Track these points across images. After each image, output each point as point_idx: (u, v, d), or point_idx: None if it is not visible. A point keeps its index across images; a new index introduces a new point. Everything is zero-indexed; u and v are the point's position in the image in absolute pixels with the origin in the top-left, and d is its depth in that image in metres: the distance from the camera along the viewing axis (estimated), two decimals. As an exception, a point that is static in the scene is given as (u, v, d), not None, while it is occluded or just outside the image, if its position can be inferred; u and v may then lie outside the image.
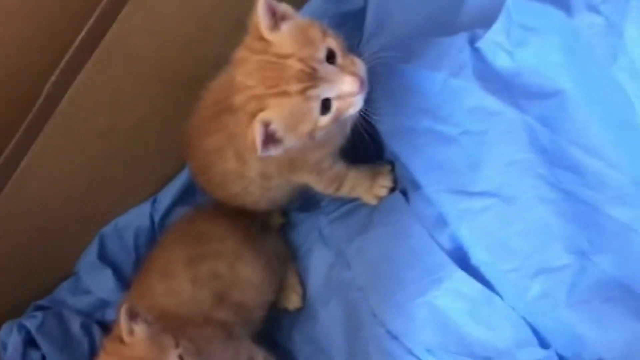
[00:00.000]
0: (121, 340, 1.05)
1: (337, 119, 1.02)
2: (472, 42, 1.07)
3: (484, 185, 1.04)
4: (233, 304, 1.23)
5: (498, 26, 1.04)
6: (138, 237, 1.46)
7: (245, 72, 1.01)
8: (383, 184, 1.24)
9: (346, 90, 0.99)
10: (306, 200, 1.38)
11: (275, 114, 0.99)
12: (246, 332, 1.25)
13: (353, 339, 1.20)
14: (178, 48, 1.25)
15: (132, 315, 1.05)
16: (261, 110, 0.99)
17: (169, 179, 1.47)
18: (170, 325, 1.14)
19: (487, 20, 1.07)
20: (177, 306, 1.19)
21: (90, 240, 1.47)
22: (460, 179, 1.06)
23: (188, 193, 1.46)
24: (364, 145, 1.22)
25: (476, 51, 1.07)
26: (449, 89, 1.08)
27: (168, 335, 1.07)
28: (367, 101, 1.06)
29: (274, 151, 1.01)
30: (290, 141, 1.02)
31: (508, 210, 1.02)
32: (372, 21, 1.22)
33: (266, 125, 0.99)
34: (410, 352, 1.10)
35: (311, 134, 1.02)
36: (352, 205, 1.30)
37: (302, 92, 0.97)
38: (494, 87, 1.04)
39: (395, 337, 1.12)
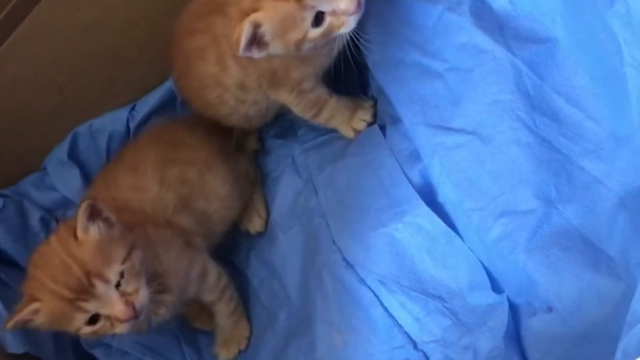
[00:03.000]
0: (74, 234, 1.03)
1: (327, 35, 1.01)
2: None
3: (462, 122, 1.03)
4: (196, 212, 1.23)
5: (500, -33, 1.02)
6: (111, 141, 1.44)
7: None
8: (362, 118, 1.22)
9: (342, 8, 0.98)
10: (283, 128, 1.37)
11: (268, 17, 0.97)
12: (204, 245, 1.24)
13: (309, 265, 1.19)
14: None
15: (94, 213, 1.04)
16: (254, 10, 0.97)
17: (152, 88, 1.45)
18: (132, 219, 1.13)
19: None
20: (140, 203, 1.18)
21: (63, 137, 1.44)
22: (440, 113, 1.05)
23: (168, 105, 1.44)
24: (348, 78, 1.22)
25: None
26: (443, 24, 1.07)
27: (123, 244, 1.05)
28: (360, 28, 1.05)
29: (257, 54, 1.00)
30: (275, 47, 1.01)
31: (482, 149, 1.01)
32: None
33: (256, 26, 0.98)
34: (362, 281, 1.09)
35: (298, 44, 1.01)
36: (328, 136, 1.28)
37: (297, 1, 0.96)
38: (487, 26, 1.02)
39: (350, 266, 1.11)
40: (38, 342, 1.26)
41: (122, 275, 1.03)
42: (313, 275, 1.17)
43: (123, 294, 1.03)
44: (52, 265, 1.02)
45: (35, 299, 1.02)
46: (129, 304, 1.02)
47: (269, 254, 1.29)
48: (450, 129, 1.04)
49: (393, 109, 1.13)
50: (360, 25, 1.10)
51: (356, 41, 1.04)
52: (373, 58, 1.15)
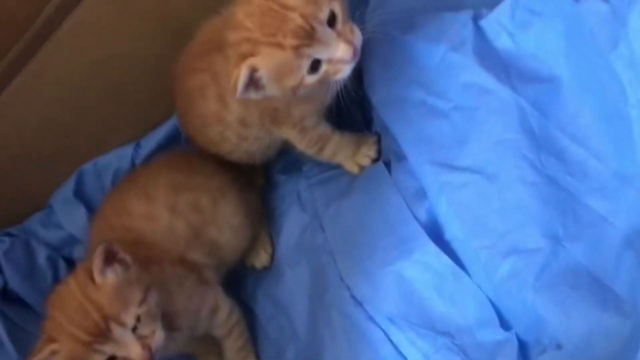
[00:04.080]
0: (91, 277, 1.04)
1: (323, 81, 1.03)
2: (475, 19, 1.07)
3: (468, 161, 1.04)
4: (207, 242, 1.23)
5: (504, 6, 1.03)
6: (116, 178, 1.45)
7: (246, 13, 1.00)
8: (367, 154, 1.24)
9: (338, 56, 1.00)
10: (288, 163, 1.38)
11: (264, 62, 0.99)
12: (217, 278, 1.25)
13: (317, 302, 1.20)
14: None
15: (109, 257, 1.05)
16: (252, 55, 0.99)
17: (156, 124, 1.46)
18: (148, 254, 1.14)
19: (493, 2, 1.06)
20: (153, 234, 1.19)
21: (68, 175, 1.46)
22: (446, 152, 1.06)
23: (172, 141, 1.46)
24: (350, 114, 1.23)
25: (478, 29, 1.07)
26: (447, 64, 1.08)
27: (139, 286, 1.06)
28: (361, 70, 1.08)
29: (254, 95, 1.02)
30: (272, 90, 1.03)
31: (489, 188, 1.02)
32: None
33: (253, 70, 0.99)
34: (371, 319, 1.10)
35: (294, 89, 1.03)
36: (334, 172, 1.29)
37: (296, 48, 0.98)
38: (491, 66, 1.04)
39: (359, 303, 1.12)
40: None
41: (138, 318, 1.04)
42: (321, 311, 1.17)
43: (140, 337, 1.03)
44: (70, 307, 1.03)
45: (54, 340, 1.03)
46: (145, 346, 1.03)
47: (276, 290, 1.30)
48: (456, 168, 1.05)
49: (398, 146, 1.14)
50: (364, 64, 1.13)
51: (352, 85, 1.06)
52: (377, 96, 1.16)
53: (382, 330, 1.09)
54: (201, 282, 1.21)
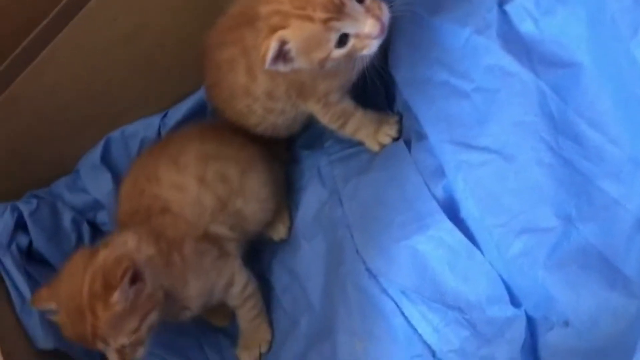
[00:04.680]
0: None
1: (350, 56, 1.05)
2: (501, 4, 1.09)
3: (487, 141, 1.06)
4: (233, 214, 1.26)
5: (529, -8, 1.05)
6: (143, 147, 1.48)
7: None
8: (388, 132, 1.26)
9: (366, 31, 1.03)
10: (310, 139, 1.41)
11: (294, 34, 1.02)
12: (237, 251, 1.28)
13: (332, 275, 1.22)
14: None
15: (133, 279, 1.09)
16: (282, 27, 1.02)
17: (184, 96, 1.49)
18: (174, 233, 1.19)
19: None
20: (180, 206, 1.22)
21: (96, 142, 1.49)
22: (465, 132, 1.09)
23: (199, 113, 1.48)
24: (374, 92, 1.26)
25: (503, 13, 1.08)
26: (471, 46, 1.10)
27: (136, 315, 1.11)
28: (386, 48, 1.10)
29: (282, 67, 1.05)
30: (300, 63, 1.06)
31: (506, 168, 1.04)
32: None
33: (282, 43, 1.02)
34: (385, 291, 1.13)
35: (322, 62, 1.05)
36: (354, 149, 1.32)
37: (326, 21, 1.00)
38: (514, 50, 1.06)
39: (373, 276, 1.14)
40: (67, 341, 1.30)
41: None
42: (336, 283, 1.20)
43: None
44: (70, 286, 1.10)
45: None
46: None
47: (292, 262, 1.33)
48: (474, 147, 1.07)
49: (419, 126, 1.16)
50: (390, 43, 1.15)
51: (379, 62, 1.09)
52: (401, 75, 1.18)
53: (395, 302, 1.12)
54: (221, 256, 1.24)
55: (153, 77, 1.44)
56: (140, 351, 1.13)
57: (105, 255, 1.10)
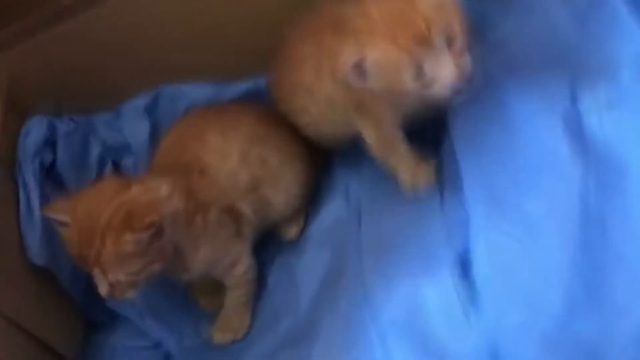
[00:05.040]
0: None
1: (420, 92, 1.07)
2: (574, 97, 1.11)
3: (519, 217, 1.08)
4: (261, 199, 1.30)
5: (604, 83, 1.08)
6: (188, 109, 1.51)
7: (378, 4, 1.06)
8: (425, 174, 1.28)
9: (443, 74, 1.05)
10: (349, 157, 1.42)
11: (376, 54, 1.05)
12: (251, 235, 1.31)
13: (329, 285, 1.25)
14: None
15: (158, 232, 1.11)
16: (369, 44, 1.05)
17: (247, 76, 1.52)
18: (205, 196, 1.22)
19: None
20: (217, 172, 1.26)
21: (146, 89, 1.52)
22: (502, 201, 1.10)
23: (254, 97, 1.51)
24: (421, 129, 1.28)
25: (574, 101, 1.11)
26: (533, 122, 1.13)
27: (142, 260, 1.14)
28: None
29: (355, 82, 1.07)
30: (372, 83, 1.08)
31: (529, 246, 1.05)
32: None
33: (364, 58, 1.05)
34: (375, 320, 1.14)
35: (392, 90, 1.08)
36: (388, 181, 1.33)
37: (411, 52, 1.03)
38: (574, 136, 1.08)
39: (368, 302, 1.16)
40: (59, 263, 1.32)
41: None
42: (330, 295, 1.22)
43: None
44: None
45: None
46: None
47: (294, 262, 1.35)
48: (507, 218, 1.09)
49: (458, 178, 1.18)
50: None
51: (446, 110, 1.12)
52: (458, 125, 1.20)
53: (379, 333, 1.12)
54: (237, 234, 1.27)
55: (224, 45, 1.47)
56: (131, 293, 1.16)
57: (137, 192, 1.13)
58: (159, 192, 1.17)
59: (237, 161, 1.28)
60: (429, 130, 1.33)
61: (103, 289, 1.15)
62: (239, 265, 1.30)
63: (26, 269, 1.34)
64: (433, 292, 1.11)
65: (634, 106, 1.05)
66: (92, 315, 1.45)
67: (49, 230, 1.32)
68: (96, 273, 1.14)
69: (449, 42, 1.05)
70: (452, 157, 1.22)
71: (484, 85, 1.18)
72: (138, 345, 1.40)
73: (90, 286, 1.35)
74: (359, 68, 1.06)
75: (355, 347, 1.14)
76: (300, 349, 1.21)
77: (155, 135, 1.51)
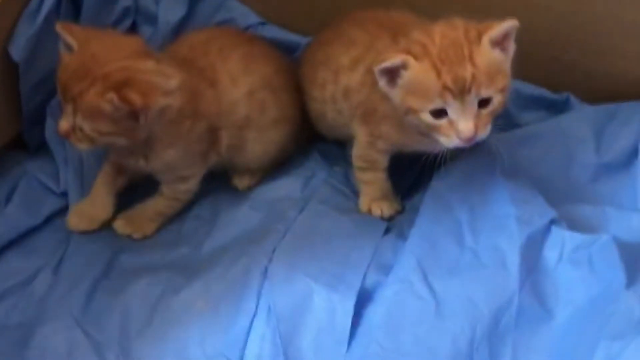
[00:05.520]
0: None
1: (430, 130, 1.09)
2: (552, 221, 1.13)
3: (440, 287, 1.10)
4: (240, 138, 1.32)
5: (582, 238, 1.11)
6: (222, 23, 1.54)
7: (443, 32, 1.07)
8: (384, 209, 1.30)
9: (458, 127, 1.06)
10: (331, 151, 1.46)
11: (417, 70, 1.06)
12: (212, 165, 1.32)
13: (242, 241, 1.27)
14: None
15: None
16: (415, 56, 1.06)
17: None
18: (206, 103, 1.25)
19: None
20: (222, 92, 1.28)
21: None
22: (435, 269, 1.12)
23: (289, 49, 1.52)
24: (406, 171, 1.32)
25: (546, 229, 1.13)
26: (503, 224, 1.14)
27: (112, 127, 1.13)
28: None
29: (382, 83, 1.09)
30: (395, 95, 1.09)
31: (434, 315, 1.07)
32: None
33: (403, 65, 1.06)
34: (259, 294, 1.15)
35: (408, 111, 1.09)
36: (347, 191, 1.37)
37: (445, 87, 1.04)
38: (526, 257, 1.10)
39: (265, 275, 1.17)
40: (31, 70, 1.31)
41: None
42: (237, 248, 1.23)
43: None
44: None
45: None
46: None
47: (224, 207, 1.36)
48: (428, 282, 1.10)
49: (408, 230, 1.19)
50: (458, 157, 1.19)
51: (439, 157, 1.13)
52: (438, 186, 1.22)
53: (261, 308, 1.14)
54: (203, 155, 1.27)
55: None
56: (83, 145, 1.15)
57: (149, 67, 1.14)
58: (167, 81, 1.15)
59: (243, 94, 1.29)
60: (410, 171, 1.35)
61: (63, 126, 1.14)
62: (186, 183, 1.30)
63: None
64: (323, 304, 1.12)
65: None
66: (26, 134, 1.42)
67: (43, 37, 1.31)
68: (67, 109, 1.12)
69: (482, 103, 1.06)
70: (415, 213, 1.23)
71: (481, 168, 1.20)
72: (46, 184, 1.37)
73: (42, 109, 1.36)
74: (395, 72, 1.07)
75: (236, 304, 1.14)
76: (183, 276, 1.22)
77: (182, 26, 1.50)
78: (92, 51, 1.12)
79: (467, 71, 1.03)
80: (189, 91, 1.19)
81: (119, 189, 1.33)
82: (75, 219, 1.32)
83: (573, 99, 1.35)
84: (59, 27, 1.14)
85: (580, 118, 1.28)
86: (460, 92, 1.04)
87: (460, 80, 1.03)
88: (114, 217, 1.33)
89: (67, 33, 1.13)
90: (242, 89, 1.28)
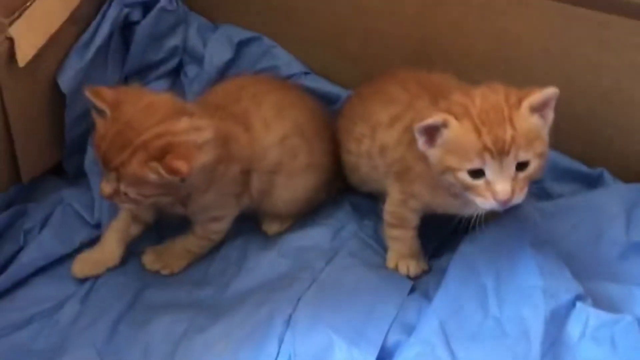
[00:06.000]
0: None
1: (465, 190, 1.09)
2: (578, 297, 1.12)
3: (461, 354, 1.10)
4: (271, 182, 1.32)
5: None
6: (263, 71, 1.56)
7: (484, 95, 1.09)
8: (410, 268, 1.30)
9: (496, 188, 1.06)
10: (361, 204, 1.46)
11: (457, 129, 1.07)
12: (244, 207, 1.33)
13: (267, 288, 1.27)
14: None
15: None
16: (456, 118, 1.07)
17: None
18: (239, 148, 1.26)
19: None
20: (255, 138, 1.29)
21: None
22: (456, 333, 1.12)
23: (328, 100, 1.55)
24: (435, 233, 1.31)
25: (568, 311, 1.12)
26: (528, 295, 1.14)
27: (156, 190, 1.15)
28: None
29: (420, 142, 1.10)
30: (433, 154, 1.10)
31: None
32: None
33: (444, 124, 1.07)
34: (280, 341, 1.15)
35: (444, 171, 1.09)
36: (376, 246, 1.37)
37: (485, 148, 1.05)
38: (551, 330, 1.10)
39: (287, 324, 1.18)
40: (77, 103, 1.35)
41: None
42: (261, 296, 1.24)
43: None
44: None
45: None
46: None
47: (255, 250, 1.37)
48: (444, 348, 1.10)
49: (436, 288, 1.20)
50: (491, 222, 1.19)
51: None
52: (467, 250, 1.22)
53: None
54: (237, 197, 1.29)
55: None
56: (129, 206, 1.20)
57: (184, 127, 1.14)
58: (203, 135, 1.17)
59: (276, 139, 1.30)
60: (440, 232, 1.36)
61: (107, 189, 1.15)
62: (219, 223, 1.32)
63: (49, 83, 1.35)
64: (343, 357, 1.12)
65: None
66: (66, 162, 1.46)
67: (91, 70, 1.35)
68: (110, 176, 1.14)
69: (520, 166, 1.07)
70: (441, 276, 1.23)
71: (512, 235, 1.21)
72: (80, 214, 1.39)
73: (84, 139, 1.38)
74: (435, 131, 1.08)
75: (256, 350, 1.15)
76: (206, 316, 1.23)
77: (227, 69, 1.54)
78: (126, 118, 1.13)
79: (507, 133, 1.04)
80: (222, 137, 1.20)
81: (132, 237, 1.34)
82: (80, 266, 1.32)
83: (607, 175, 1.35)
84: (88, 93, 1.15)
85: (613, 195, 1.28)
86: (499, 153, 1.04)
87: (500, 141, 1.04)
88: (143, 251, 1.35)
89: (98, 98, 1.14)
90: (275, 134, 1.30)
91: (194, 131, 1.15)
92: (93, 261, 1.31)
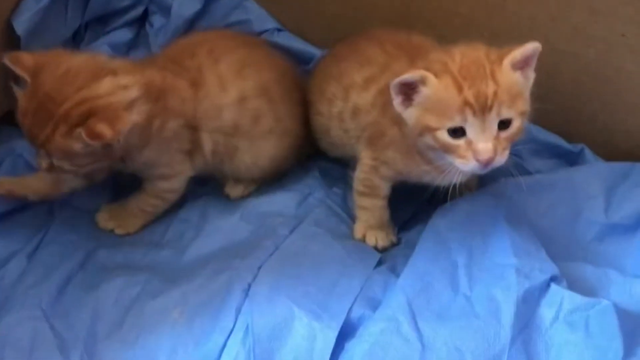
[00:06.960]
0: None
1: (445, 151, 1.03)
2: (553, 278, 1.08)
3: (429, 330, 1.05)
4: (228, 146, 1.26)
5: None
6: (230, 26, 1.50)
7: (464, 52, 1.03)
8: (378, 239, 1.24)
9: (477, 147, 1.00)
10: (332, 171, 1.41)
11: (436, 86, 1.01)
12: (195, 167, 1.27)
13: (228, 253, 1.22)
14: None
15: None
16: (435, 75, 1.01)
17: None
18: (180, 102, 1.20)
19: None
20: (205, 96, 1.22)
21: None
22: (423, 309, 1.08)
23: (301, 60, 1.48)
24: (405, 204, 1.26)
25: (546, 286, 1.08)
26: (500, 273, 1.09)
27: (88, 159, 1.10)
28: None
29: (396, 102, 1.04)
30: (410, 114, 1.04)
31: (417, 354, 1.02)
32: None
33: (422, 81, 1.01)
34: (237, 310, 1.10)
35: (423, 132, 1.03)
36: (342, 214, 1.32)
37: (466, 103, 0.99)
38: (522, 309, 1.05)
39: (246, 293, 1.12)
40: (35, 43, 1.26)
41: None
42: (220, 261, 1.19)
43: None
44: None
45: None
46: None
47: (213, 213, 1.31)
48: (414, 323, 1.05)
49: (404, 262, 1.14)
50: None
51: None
52: (439, 223, 1.17)
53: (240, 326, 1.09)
54: (187, 154, 1.23)
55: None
56: (70, 175, 1.17)
57: (106, 89, 1.08)
58: (129, 93, 1.09)
59: (232, 101, 1.23)
60: (411, 204, 1.30)
61: (43, 165, 1.10)
62: (169, 182, 1.25)
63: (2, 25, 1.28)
64: (303, 331, 1.06)
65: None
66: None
67: (47, 13, 1.28)
68: (41, 152, 1.08)
69: (502, 125, 1.01)
70: (412, 248, 1.18)
71: (486, 210, 1.16)
72: (31, 165, 1.31)
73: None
74: (412, 89, 1.02)
75: (212, 319, 1.09)
76: (161, 281, 1.18)
77: (194, 22, 1.47)
78: (45, 88, 1.06)
79: (490, 88, 0.98)
80: (155, 91, 1.13)
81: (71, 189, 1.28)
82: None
83: (588, 151, 1.31)
84: (7, 59, 1.08)
85: (593, 174, 1.23)
86: (482, 109, 0.99)
87: (482, 95, 0.98)
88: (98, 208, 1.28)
89: (17, 65, 1.07)
90: (231, 95, 1.22)
91: (120, 90, 1.08)
92: (20, 181, 1.24)
